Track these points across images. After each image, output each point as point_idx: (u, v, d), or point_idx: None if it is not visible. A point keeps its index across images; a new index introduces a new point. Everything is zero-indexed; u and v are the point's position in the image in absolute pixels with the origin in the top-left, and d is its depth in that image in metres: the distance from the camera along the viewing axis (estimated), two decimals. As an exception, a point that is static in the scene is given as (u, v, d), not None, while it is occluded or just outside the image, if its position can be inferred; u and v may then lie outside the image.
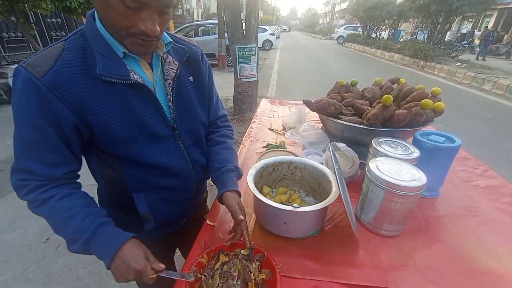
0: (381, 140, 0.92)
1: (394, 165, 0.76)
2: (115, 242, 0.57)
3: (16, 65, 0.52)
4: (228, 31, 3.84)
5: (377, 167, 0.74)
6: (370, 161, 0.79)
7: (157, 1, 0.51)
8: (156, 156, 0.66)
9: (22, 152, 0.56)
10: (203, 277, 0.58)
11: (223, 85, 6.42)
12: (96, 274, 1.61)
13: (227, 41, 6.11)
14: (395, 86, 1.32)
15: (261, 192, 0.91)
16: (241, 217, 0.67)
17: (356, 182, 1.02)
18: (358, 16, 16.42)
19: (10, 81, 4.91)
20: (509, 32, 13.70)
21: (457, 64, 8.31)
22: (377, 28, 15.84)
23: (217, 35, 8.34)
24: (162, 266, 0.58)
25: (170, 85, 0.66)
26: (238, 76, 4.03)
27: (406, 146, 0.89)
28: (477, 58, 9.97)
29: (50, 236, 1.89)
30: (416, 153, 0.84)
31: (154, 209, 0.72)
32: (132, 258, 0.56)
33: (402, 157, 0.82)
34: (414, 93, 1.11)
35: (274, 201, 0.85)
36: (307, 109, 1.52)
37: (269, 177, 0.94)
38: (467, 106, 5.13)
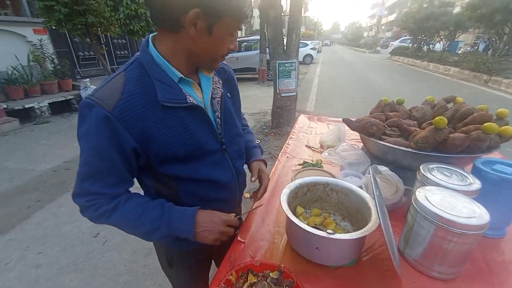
0: (431, 166, 0.83)
1: (448, 197, 0.67)
2: (189, 214, 0.67)
3: (85, 98, 0.57)
4: (270, 47, 3.96)
5: (426, 197, 0.67)
6: (418, 189, 0.71)
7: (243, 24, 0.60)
8: (208, 170, 0.71)
9: (89, 178, 0.60)
10: (230, 296, 0.58)
11: (262, 98, 6.56)
12: (134, 273, 1.72)
13: (267, 56, 6.30)
14: (450, 105, 1.20)
15: (294, 212, 0.88)
16: (252, 178, 0.85)
17: (400, 210, 0.93)
18: (407, 28, 15.46)
19: (82, 92, 5.76)
20: None
21: (531, 79, 7.17)
22: (430, 40, 14.66)
23: (258, 50, 8.66)
24: (233, 214, 0.73)
25: (219, 102, 0.72)
26: (278, 90, 4.09)
27: (464, 175, 0.78)
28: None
29: (100, 231, 2.10)
30: (476, 185, 0.73)
31: None
32: (212, 216, 0.69)
33: (458, 187, 0.73)
34: (475, 114, 0.99)
35: (307, 223, 0.83)
36: (347, 127, 1.46)
37: (304, 197, 0.91)
38: (546, 128, 4.33)
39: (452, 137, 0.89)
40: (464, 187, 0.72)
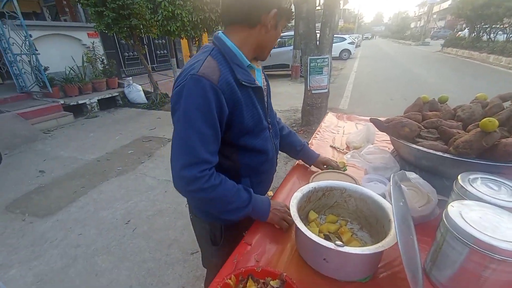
0: (474, 176, 0.71)
1: (490, 214, 0.56)
2: (267, 200, 0.84)
3: (189, 74, 0.66)
4: (302, 42, 3.83)
5: (460, 214, 0.56)
6: (451, 203, 0.60)
7: None
8: (262, 143, 0.85)
9: (201, 146, 0.67)
10: (225, 301, 0.55)
11: (294, 95, 6.42)
12: (157, 261, 1.82)
13: (301, 52, 6.15)
14: (507, 104, 1.02)
15: (307, 217, 0.83)
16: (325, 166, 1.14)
17: (432, 224, 0.81)
18: (463, 16, 13.70)
19: (125, 89, 6.27)
20: None
21: None
22: (490, 29, 12.80)
23: (292, 46, 8.47)
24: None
25: (265, 90, 0.87)
26: (308, 87, 3.94)
27: (515, 189, 0.65)
28: None
29: (131, 218, 2.26)
30: (532, 202, 0.59)
31: (254, 189, 0.85)
32: (278, 202, 0.87)
33: (506, 204, 0.60)
34: (537, 116, 0.82)
35: (320, 230, 0.77)
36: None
37: (318, 202, 0.85)
38: None
39: (504, 143, 0.75)
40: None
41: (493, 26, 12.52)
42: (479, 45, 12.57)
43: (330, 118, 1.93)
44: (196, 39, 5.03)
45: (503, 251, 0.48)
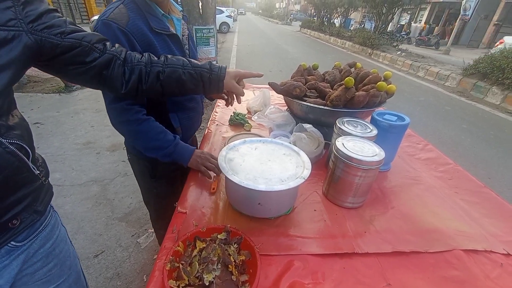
0: (344, 120, 0.98)
1: (358, 142, 0.82)
2: (191, 148, 0.95)
3: (100, 20, 0.77)
4: (184, 9, 3.56)
5: (343, 145, 0.79)
6: (337, 139, 0.83)
7: None
8: None
9: None
10: (180, 265, 0.56)
11: (180, 68, 6.04)
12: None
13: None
14: (352, 70, 1.41)
15: (232, 175, 0.90)
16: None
17: (321, 162, 1.08)
18: (313, 3, 16.82)
19: None
20: (439, 25, 15.65)
21: (397, 53, 9.22)
22: (330, 16, 16.49)
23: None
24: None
25: (186, 39, 1.02)
26: (197, 59, 3.82)
27: (366, 125, 0.96)
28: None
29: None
30: (375, 131, 0.91)
31: (183, 125, 1.02)
32: (201, 152, 0.97)
33: (363, 135, 0.89)
34: (370, 76, 1.20)
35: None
36: (271, 92, 1.53)
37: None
38: (405, 91, 5.78)
39: (357, 95, 1.06)
40: (367, 134, 0.89)
41: (330, 14, 16.17)
42: (323, 28, 15.99)
43: (228, 88, 2.01)
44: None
45: (368, 163, 0.73)
